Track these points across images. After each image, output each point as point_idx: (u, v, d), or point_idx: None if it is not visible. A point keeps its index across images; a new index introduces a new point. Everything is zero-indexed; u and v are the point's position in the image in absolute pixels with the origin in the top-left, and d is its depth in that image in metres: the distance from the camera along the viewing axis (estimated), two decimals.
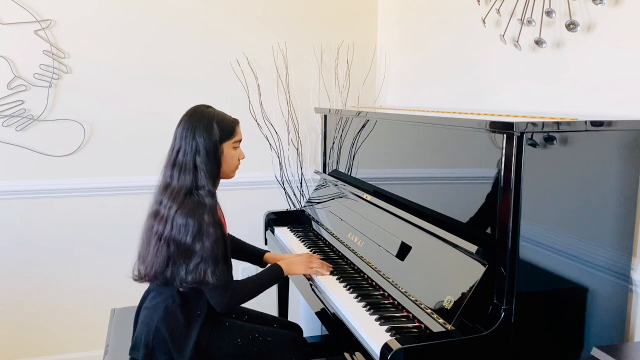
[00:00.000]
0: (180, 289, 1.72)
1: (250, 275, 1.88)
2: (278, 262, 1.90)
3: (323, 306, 1.80)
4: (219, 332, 1.78)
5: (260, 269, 1.98)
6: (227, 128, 1.75)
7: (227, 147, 1.76)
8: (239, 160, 1.82)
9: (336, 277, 1.92)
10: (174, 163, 1.71)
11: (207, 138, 1.70)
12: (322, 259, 2.03)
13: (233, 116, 1.82)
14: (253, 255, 2.11)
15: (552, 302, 1.45)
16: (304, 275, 1.98)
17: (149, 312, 1.75)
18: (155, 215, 1.70)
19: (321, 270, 1.94)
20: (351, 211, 2.23)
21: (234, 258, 2.05)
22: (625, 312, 1.53)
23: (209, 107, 1.80)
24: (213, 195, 1.71)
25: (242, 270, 2.79)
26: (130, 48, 2.65)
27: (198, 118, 1.73)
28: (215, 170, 1.73)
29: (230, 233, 2.07)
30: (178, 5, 2.70)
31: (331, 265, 1.99)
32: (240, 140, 1.81)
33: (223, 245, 1.71)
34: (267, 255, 2.10)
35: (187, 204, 1.65)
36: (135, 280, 1.75)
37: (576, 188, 1.42)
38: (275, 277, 1.87)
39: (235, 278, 1.80)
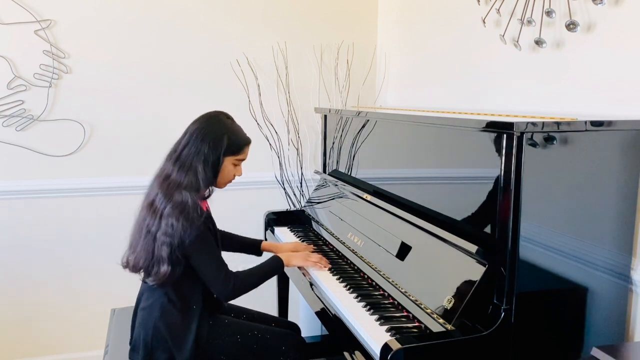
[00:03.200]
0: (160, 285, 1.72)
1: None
2: (278, 255, 1.95)
3: (323, 306, 1.80)
4: (218, 328, 1.80)
5: (257, 258, 2.05)
6: (235, 145, 1.78)
7: (228, 161, 1.78)
8: (234, 176, 1.84)
9: (336, 277, 1.92)
10: (177, 157, 1.73)
11: (212, 147, 1.73)
12: None
13: (247, 134, 1.84)
14: (250, 246, 2.16)
15: (552, 302, 1.45)
16: (302, 268, 2.01)
17: (146, 313, 1.76)
18: (150, 206, 1.72)
19: (320, 263, 1.97)
20: (351, 211, 2.23)
21: (231, 251, 2.11)
22: (625, 312, 1.53)
23: (229, 117, 1.83)
24: (201, 198, 1.75)
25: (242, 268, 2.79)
26: (130, 48, 2.65)
27: (213, 123, 1.77)
28: (211, 178, 1.76)
29: (221, 229, 2.09)
30: (178, 6, 2.70)
31: (329, 262, 2.01)
32: (243, 159, 1.84)
33: (209, 242, 1.75)
34: (264, 244, 2.16)
35: (176, 203, 1.67)
36: (123, 267, 1.77)
37: (576, 188, 1.42)
38: (276, 268, 1.93)
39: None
